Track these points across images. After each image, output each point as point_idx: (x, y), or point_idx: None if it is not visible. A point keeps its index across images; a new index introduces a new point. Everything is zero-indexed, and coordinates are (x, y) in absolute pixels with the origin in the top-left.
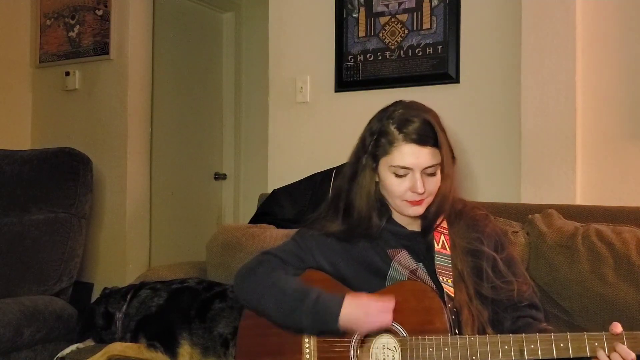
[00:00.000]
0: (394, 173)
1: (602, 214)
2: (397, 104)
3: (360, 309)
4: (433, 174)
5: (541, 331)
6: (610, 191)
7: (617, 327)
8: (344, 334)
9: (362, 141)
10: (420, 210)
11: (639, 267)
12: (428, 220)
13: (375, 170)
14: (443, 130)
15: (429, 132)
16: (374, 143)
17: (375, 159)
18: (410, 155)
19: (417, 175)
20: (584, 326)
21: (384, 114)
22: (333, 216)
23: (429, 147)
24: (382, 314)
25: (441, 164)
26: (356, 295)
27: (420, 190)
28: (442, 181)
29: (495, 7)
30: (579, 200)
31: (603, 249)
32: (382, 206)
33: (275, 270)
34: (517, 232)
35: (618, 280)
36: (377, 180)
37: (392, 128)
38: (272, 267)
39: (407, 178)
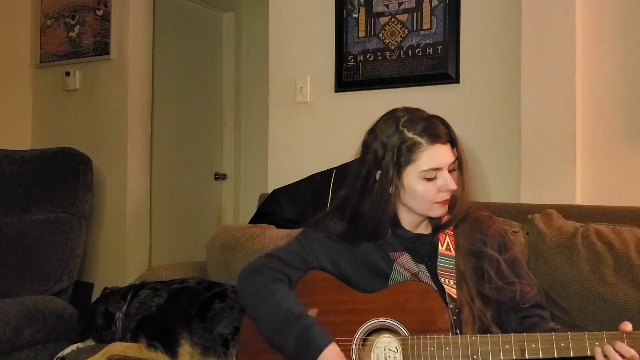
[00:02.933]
0: (424, 178)
1: (602, 214)
2: (394, 111)
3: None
4: (454, 170)
5: (549, 330)
6: (610, 191)
7: (627, 326)
8: None
9: (373, 155)
10: (446, 208)
11: (639, 267)
12: (442, 223)
13: (393, 183)
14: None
15: (442, 128)
16: (394, 155)
17: (399, 170)
18: (438, 155)
19: (446, 173)
20: (583, 326)
21: (393, 124)
22: (338, 220)
23: (448, 144)
24: None
25: (460, 158)
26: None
27: (453, 186)
28: (464, 174)
29: (495, 7)
30: (578, 200)
31: (603, 249)
32: (392, 216)
33: (275, 282)
34: (517, 232)
35: (618, 280)
36: (393, 191)
37: (412, 134)
38: (272, 277)
39: (437, 179)
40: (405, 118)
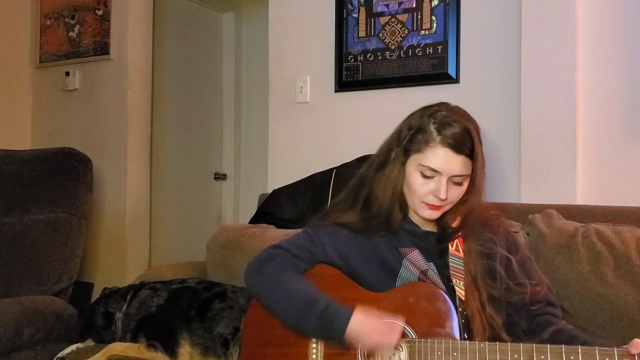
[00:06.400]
0: (421, 172)
1: (602, 214)
2: (442, 104)
3: (368, 326)
4: (459, 184)
5: (561, 330)
6: (610, 191)
7: (637, 344)
8: (349, 346)
9: (398, 133)
10: (435, 215)
11: (639, 267)
12: (448, 232)
13: (403, 165)
14: (480, 143)
15: (467, 141)
16: (409, 138)
17: (407, 153)
18: (442, 159)
19: (444, 180)
20: (584, 327)
21: (426, 112)
22: (351, 205)
23: (463, 156)
24: (389, 335)
25: (472, 176)
26: (366, 310)
27: (443, 196)
28: (471, 194)
29: (495, 7)
30: (579, 200)
31: (603, 249)
32: (402, 201)
33: (286, 269)
34: (517, 232)
35: (618, 280)
36: (400, 172)
37: (432, 128)
38: (283, 264)
39: (432, 181)
40: (442, 113)
